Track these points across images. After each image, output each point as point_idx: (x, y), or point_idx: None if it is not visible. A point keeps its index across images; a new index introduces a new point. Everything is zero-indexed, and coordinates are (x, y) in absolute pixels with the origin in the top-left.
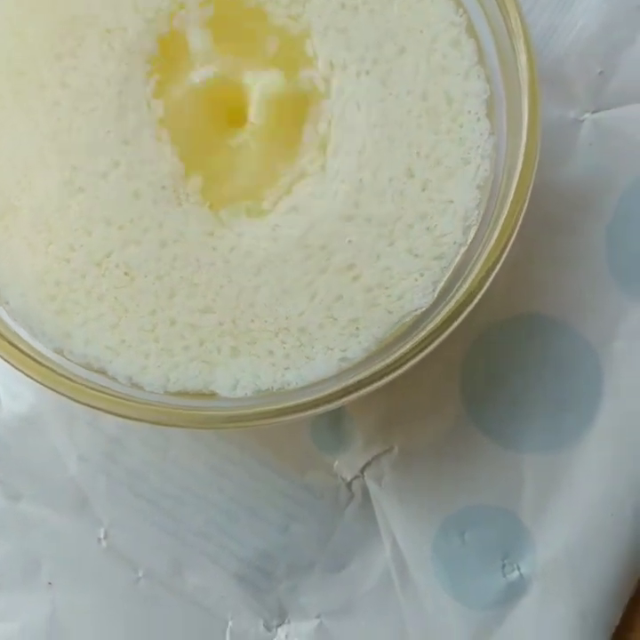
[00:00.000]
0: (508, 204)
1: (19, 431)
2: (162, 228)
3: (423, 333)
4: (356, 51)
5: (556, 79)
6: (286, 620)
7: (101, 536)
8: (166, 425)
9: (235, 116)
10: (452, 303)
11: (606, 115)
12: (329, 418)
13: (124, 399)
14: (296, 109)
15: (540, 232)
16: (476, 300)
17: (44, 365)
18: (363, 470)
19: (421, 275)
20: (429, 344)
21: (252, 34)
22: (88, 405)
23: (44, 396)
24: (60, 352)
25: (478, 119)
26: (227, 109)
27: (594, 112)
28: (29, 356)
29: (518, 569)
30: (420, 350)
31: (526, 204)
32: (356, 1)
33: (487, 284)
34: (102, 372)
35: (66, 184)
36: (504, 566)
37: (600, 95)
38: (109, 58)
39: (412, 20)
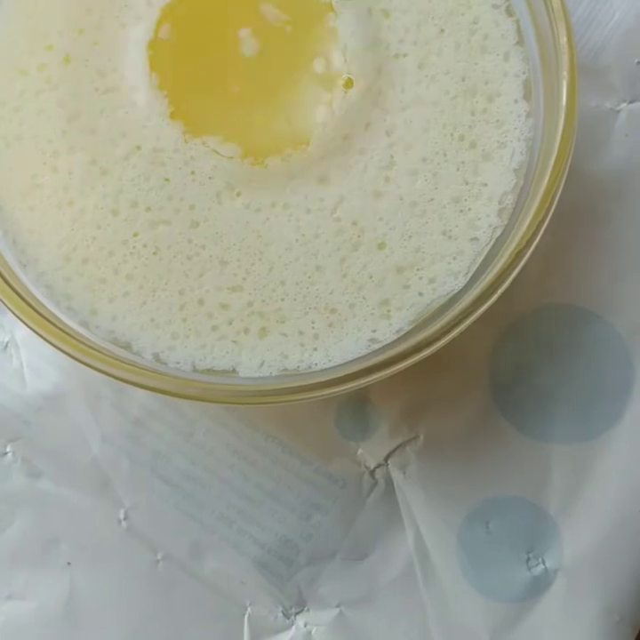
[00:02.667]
0: (543, 188)
1: (42, 410)
2: (193, 210)
3: (451, 315)
4: (395, 32)
5: (594, 69)
6: (305, 609)
7: (122, 517)
8: (191, 399)
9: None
10: (483, 286)
11: None
12: (354, 405)
13: (151, 371)
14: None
15: (574, 221)
16: (506, 284)
17: (71, 336)
18: (387, 458)
19: (454, 258)
20: (457, 326)
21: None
22: (115, 377)
23: (69, 376)
24: (85, 326)
25: (516, 101)
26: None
27: (631, 102)
28: (57, 327)
29: (543, 562)
30: (447, 331)
31: (561, 189)
32: None
33: (518, 267)
34: (127, 348)
35: (89, 165)
36: (529, 559)
37: (637, 85)
38: (128, 28)
39: (454, 3)
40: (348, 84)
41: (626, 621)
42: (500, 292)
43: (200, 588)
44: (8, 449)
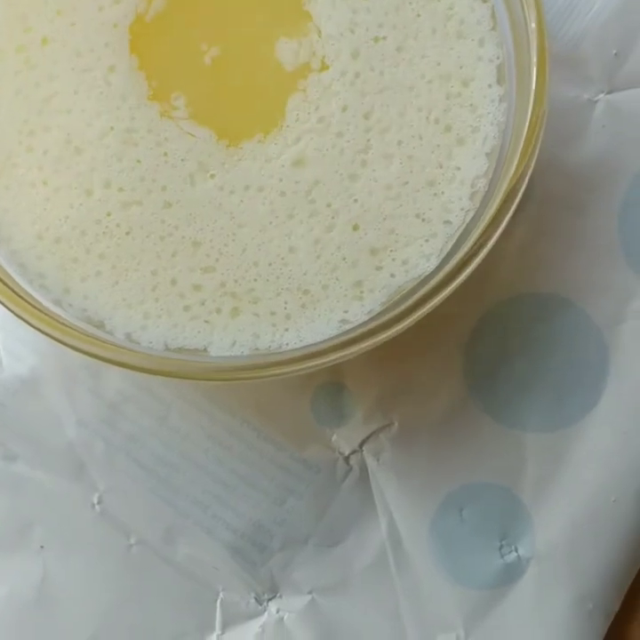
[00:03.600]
0: (512, 171)
1: (18, 393)
2: (165, 191)
3: (420, 294)
4: (374, 15)
5: (572, 60)
6: (278, 595)
7: (95, 501)
8: (164, 375)
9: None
10: (451, 266)
11: (620, 96)
12: (329, 391)
13: (124, 348)
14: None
15: (551, 211)
16: (474, 264)
17: (45, 314)
18: (361, 445)
19: (427, 240)
20: (425, 304)
21: None
22: (87, 353)
23: (46, 359)
24: (59, 304)
25: (489, 85)
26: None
27: (608, 93)
28: (31, 305)
29: (516, 550)
30: (415, 309)
31: (530, 172)
32: None
33: (486, 248)
34: (100, 326)
35: (64, 144)
36: (502, 547)
37: (615, 77)
38: (105, 11)
39: None
40: (323, 67)
41: (599, 610)
42: (467, 271)
43: (173, 573)
44: None
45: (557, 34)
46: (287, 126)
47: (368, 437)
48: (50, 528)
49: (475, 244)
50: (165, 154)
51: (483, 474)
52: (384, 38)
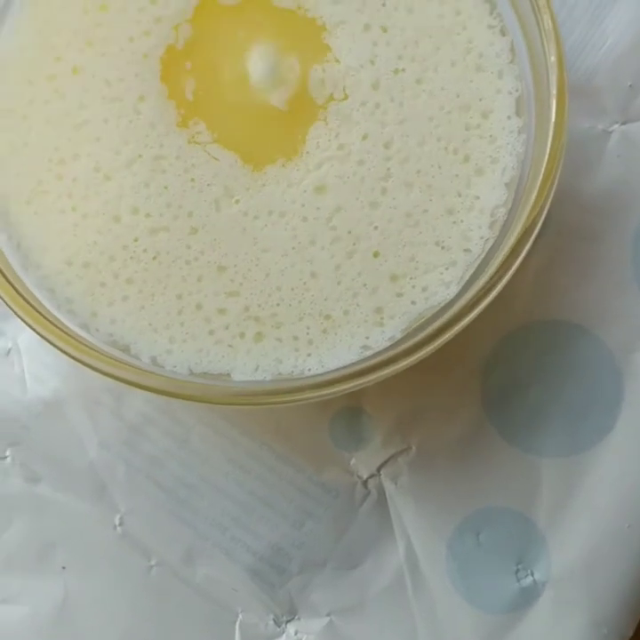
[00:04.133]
0: (532, 201)
1: (41, 415)
2: (191, 217)
3: (441, 322)
4: (394, 48)
5: (587, 91)
6: (296, 617)
7: (117, 523)
8: (188, 399)
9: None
10: (472, 294)
11: (634, 127)
12: (347, 415)
13: (148, 372)
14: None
15: (566, 240)
16: (494, 292)
17: (73, 338)
18: (379, 469)
19: (446, 268)
20: (446, 332)
21: (282, 26)
22: (113, 377)
23: (69, 382)
24: (86, 329)
25: (508, 117)
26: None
27: (622, 124)
28: (59, 329)
29: (532, 574)
30: (436, 337)
31: (549, 202)
32: (397, 0)
33: (506, 277)
34: (126, 350)
35: (93, 172)
36: (518, 571)
37: (629, 108)
38: (135, 42)
39: (451, 22)
40: (344, 97)
41: (613, 634)
42: (488, 300)
43: (192, 595)
44: (7, 453)
45: (573, 65)
46: (307, 153)
47: (386, 461)
48: (72, 549)
49: (495, 274)
50: (192, 180)
51: (499, 498)
52: (403, 70)
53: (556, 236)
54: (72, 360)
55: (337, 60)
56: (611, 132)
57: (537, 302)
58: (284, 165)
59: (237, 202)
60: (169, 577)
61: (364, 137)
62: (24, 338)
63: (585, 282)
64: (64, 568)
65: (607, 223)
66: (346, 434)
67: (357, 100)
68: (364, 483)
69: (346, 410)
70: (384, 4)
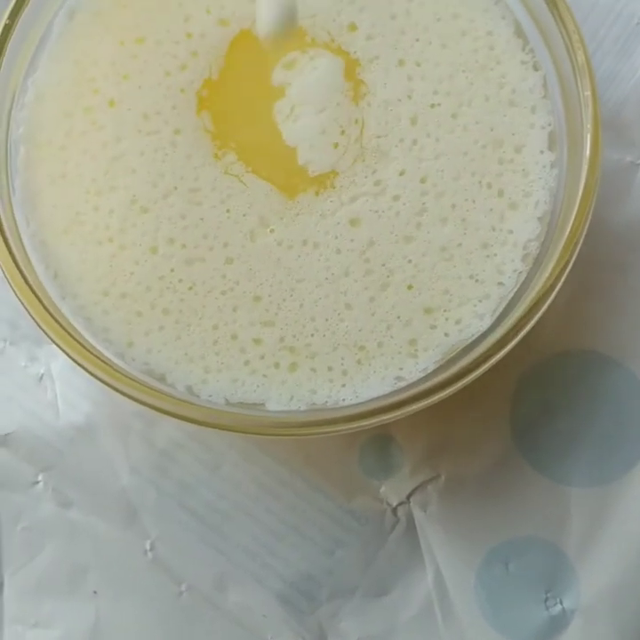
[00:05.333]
0: (565, 236)
1: (74, 440)
2: (227, 247)
3: (475, 356)
4: (429, 82)
5: (615, 124)
6: None
7: (148, 548)
8: (222, 428)
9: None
10: (505, 328)
11: None
12: (377, 443)
13: (183, 402)
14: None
15: (596, 271)
16: (528, 326)
17: (109, 366)
18: (409, 497)
19: (480, 301)
20: (479, 366)
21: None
22: (149, 406)
23: (101, 408)
24: (122, 357)
25: (541, 151)
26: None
27: None
28: (96, 357)
29: (561, 603)
30: (470, 371)
31: (583, 237)
32: (430, 35)
33: (540, 311)
34: (161, 380)
35: (130, 204)
36: (547, 600)
37: None
38: (172, 76)
39: (484, 57)
40: (381, 133)
41: None
42: (522, 334)
43: (223, 621)
44: (40, 478)
45: (602, 98)
46: (341, 186)
47: (415, 489)
48: (103, 574)
49: (530, 309)
50: (228, 210)
51: (528, 527)
52: (439, 105)
53: (586, 266)
54: (105, 386)
55: (373, 94)
56: (639, 165)
57: (566, 333)
58: (317, 194)
59: (272, 231)
60: (199, 602)
61: (402, 173)
62: (57, 364)
63: (614, 313)
64: (95, 592)
65: (635, 255)
66: (375, 462)
67: (396, 135)
68: (394, 510)
69: (375, 438)
70: (418, 39)
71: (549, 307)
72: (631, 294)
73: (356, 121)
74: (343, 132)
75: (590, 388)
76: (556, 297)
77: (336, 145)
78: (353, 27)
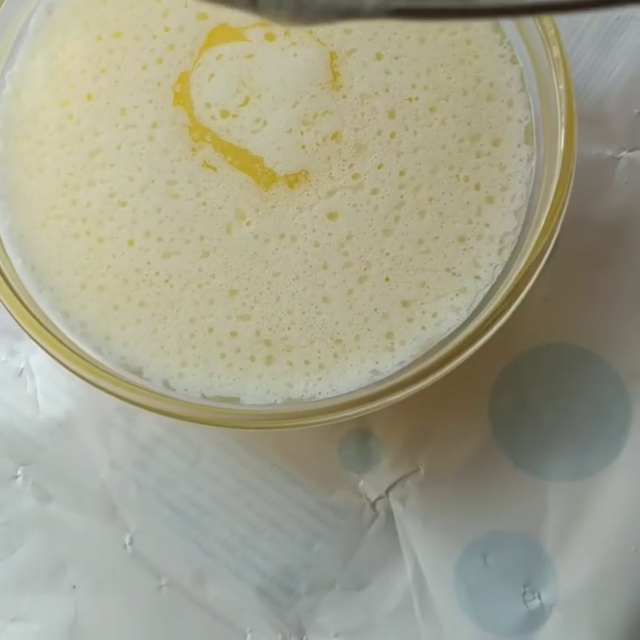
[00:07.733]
0: (540, 229)
1: (54, 435)
2: (203, 240)
3: (450, 348)
4: (407, 76)
5: (596, 118)
6: (304, 638)
7: (127, 542)
8: (199, 422)
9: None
10: (481, 320)
11: None
12: (356, 437)
13: (161, 395)
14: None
15: (575, 265)
16: (503, 319)
17: (86, 361)
18: (388, 491)
19: (457, 294)
20: (455, 358)
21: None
22: (126, 400)
23: (82, 403)
24: (99, 351)
25: (518, 145)
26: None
27: (631, 151)
28: (73, 352)
29: (539, 597)
30: (446, 363)
31: (557, 230)
32: (408, 29)
33: (515, 304)
34: (138, 373)
35: (107, 197)
36: (525, 593)
37: (637, 135)
38: (149, 70)
39: (462, 51)
40: (359, 126)
41: None
42: (496, 326)
43: (202, 614)
44: (19, 472)
45: (582, 92)
46: (317, 180)
47: (394, 483)
48: (82, 568)
49: (504, 300)
50: (204, 203)
51: (506, 521)
52: (417, 99)
53: (565, 261)
54: (88, 383)
55: (350, 87)
56: (619, 159)
57: (545, 327)
58: (291, 187)
59: (248, 224)
60: (179, 596)
61: (380, 166)
62: (36, 358)
63: (594, 307)
64: (74, 587)
65: (616, 248)
66: (354, 456)
67: (374, 128)
68: (373, 504)
69: (355, 432)
70: (396, 33)
71: (529, 301)
72: (612, 289)
73: (332, 113)
74: (318, 125)
75: (570, 382)
76: (536, 291)
77: (305, 142)
78: None
